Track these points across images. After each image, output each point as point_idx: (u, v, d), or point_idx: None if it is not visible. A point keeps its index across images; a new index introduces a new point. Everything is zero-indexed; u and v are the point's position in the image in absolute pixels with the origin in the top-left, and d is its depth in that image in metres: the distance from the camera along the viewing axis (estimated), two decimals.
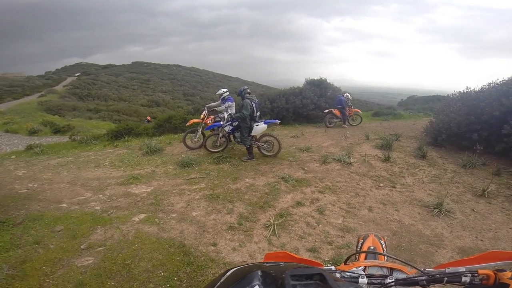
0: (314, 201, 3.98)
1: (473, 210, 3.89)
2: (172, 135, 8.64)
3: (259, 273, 0.47)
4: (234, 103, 6.50)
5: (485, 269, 0.75)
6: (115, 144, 7.83)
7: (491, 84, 6.71)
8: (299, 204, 3.87)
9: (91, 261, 2.61)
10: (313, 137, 8.07)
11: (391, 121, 12.35)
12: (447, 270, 0.78)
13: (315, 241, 3.11)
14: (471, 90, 7.19)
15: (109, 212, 3.58)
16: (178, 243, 2.95)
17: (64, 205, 3.82)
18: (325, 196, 4.12)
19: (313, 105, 10.85)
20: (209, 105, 6.81)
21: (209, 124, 6.28)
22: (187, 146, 6.50)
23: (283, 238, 3.14)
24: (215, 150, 6.10)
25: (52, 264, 2.55)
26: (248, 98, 5.39)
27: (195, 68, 72.20)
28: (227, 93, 6.57)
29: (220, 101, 6.65)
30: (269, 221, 3.38)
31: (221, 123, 5.93)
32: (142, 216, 3.49)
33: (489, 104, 5.97)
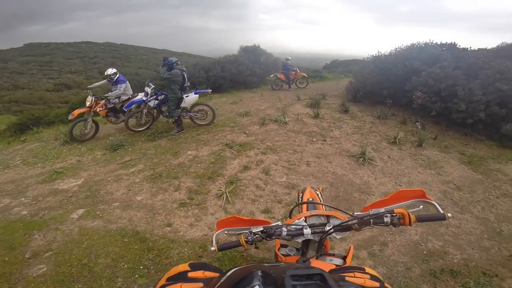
0: (259, 163, 4.17)
1: (389, 157, 4.54)
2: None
3: (259, 273, 0.47)
4: (127, 83, 5.82)
5: (399, 208, 0.86)
6: (22, 138, 6.50)
7: (397, 49, 7.85)
8: (246, 168, 4.01)
9: (45, 269, 2.31)
10: (251, 102, 8.26)
11: (318, 82, 13.35)
12: (371, 212, 0.89)
13: (267, 202, 3.30)
14: (381, 54, 8.26)
15: (40, 215, 3.09)
16: (130, 231, 2.78)
17: None
18: (268, 157, 4.35)
19: (249, 71, 11.03)
20: (92, 86, 5.83)
21: (101, 112, 5.51)
22: (73, 138, 5.35)
23: (237, 204, 3.24)
24: (140, 129, 5.63)
25: (5, 280, 2.19)
26: (178, 68, 5.10)
27: (111, 43, 63.43)
28: (117, 74, 5.74)
29: (106, 81, 5.83)
30: (221, 190, 3.42)
31: (144, 98, 5.41)
32: (81, 211, 3.12)
33: (395, 66, 7.05)
